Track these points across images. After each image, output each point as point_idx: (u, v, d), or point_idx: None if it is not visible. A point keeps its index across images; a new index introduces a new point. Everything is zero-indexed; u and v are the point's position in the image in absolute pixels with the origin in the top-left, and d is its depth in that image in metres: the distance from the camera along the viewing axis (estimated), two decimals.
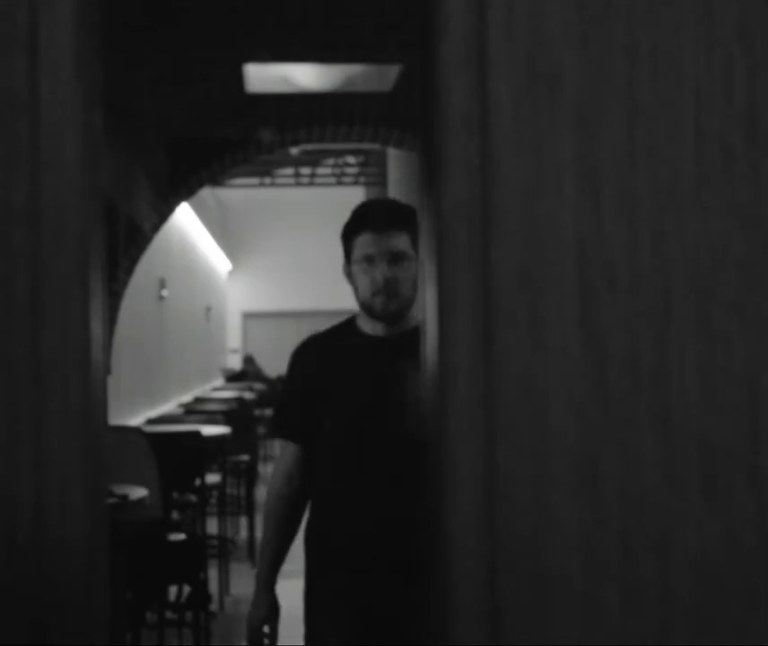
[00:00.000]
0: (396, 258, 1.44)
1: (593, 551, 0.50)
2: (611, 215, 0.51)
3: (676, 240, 0.51)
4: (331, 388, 1.46)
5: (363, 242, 1.45)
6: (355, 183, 7.88)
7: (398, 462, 1.38)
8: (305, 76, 2.58)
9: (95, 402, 0.49)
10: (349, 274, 1.49)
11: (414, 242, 1.46)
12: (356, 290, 1.48)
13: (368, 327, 1.47)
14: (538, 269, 0.51)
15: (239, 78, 2.46)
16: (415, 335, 1.12)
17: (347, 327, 1.52)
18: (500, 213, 0.50)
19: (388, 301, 1.41)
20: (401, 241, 1.45)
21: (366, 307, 1.45)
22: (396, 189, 5.60)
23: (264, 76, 2.47)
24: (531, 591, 0.50)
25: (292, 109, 3.17)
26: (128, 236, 3.28)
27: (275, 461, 1.55)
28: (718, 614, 0.51)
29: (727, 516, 0.51)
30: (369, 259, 1.44)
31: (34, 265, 0.48)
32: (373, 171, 7.30)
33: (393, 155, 5.72)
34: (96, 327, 0.50)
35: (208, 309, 7.60)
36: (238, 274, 9.90)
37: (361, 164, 7.40)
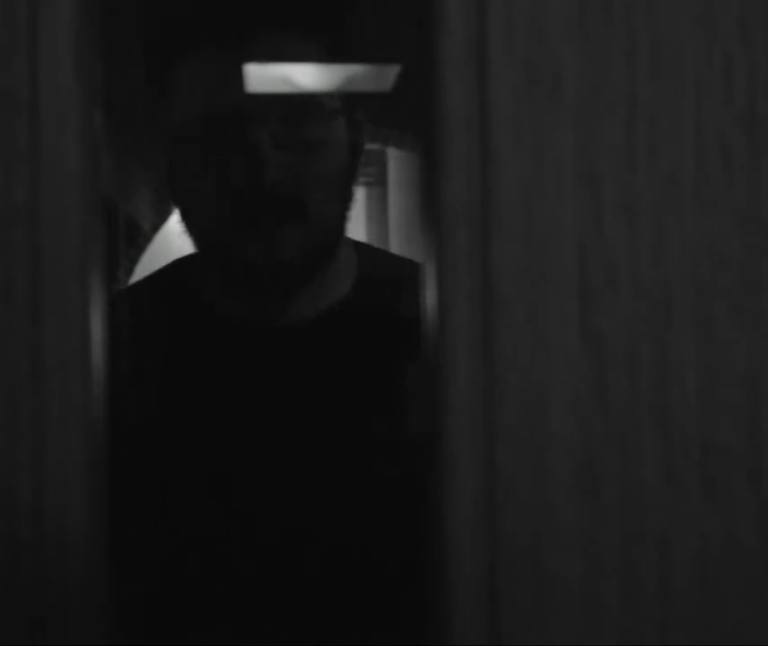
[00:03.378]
0: (296, 120, 0.71)
1: (593, 551, 0.50)
2: (611, 215, 0.51)
3: (676, 240, 0.51)
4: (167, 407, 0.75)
5: (200, 78, 0.69)
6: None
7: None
8: (305, 76, 2.57)
9: (95, 402, 0.49)
10: (165, 176, 0.73)
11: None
12: (183, 214, 0.73)
13: (225, 300, 0.73)
14: (538, 269, 0.50)
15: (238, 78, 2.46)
16: (365, 311, 0.68)
17: (177, 291, 0.75)
18: (500, 213, 0.50)
19: (282, 241, 0.68)
20: (305, 72, 0.71)
21: (214, 254, 0.72)
22: (396, 189, 5.60)
23: (264, 76, 2.47)
24: (531, 591, 0.50)
25: None
26: (128, 236, 3.28)
27: None
28: (718, 614, 0.51)
29: (727, 516, 0.51)
30: (215, 126, 0.68)
31: (34, 264, 0.48)
32: (373, 171, 7.29)
33: (393, 155, 5.72)
34: (96, 327, 0.50)
35: None
36: None
37: (361, 164, 7.39)
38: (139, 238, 3.35)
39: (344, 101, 0.79)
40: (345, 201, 0.78)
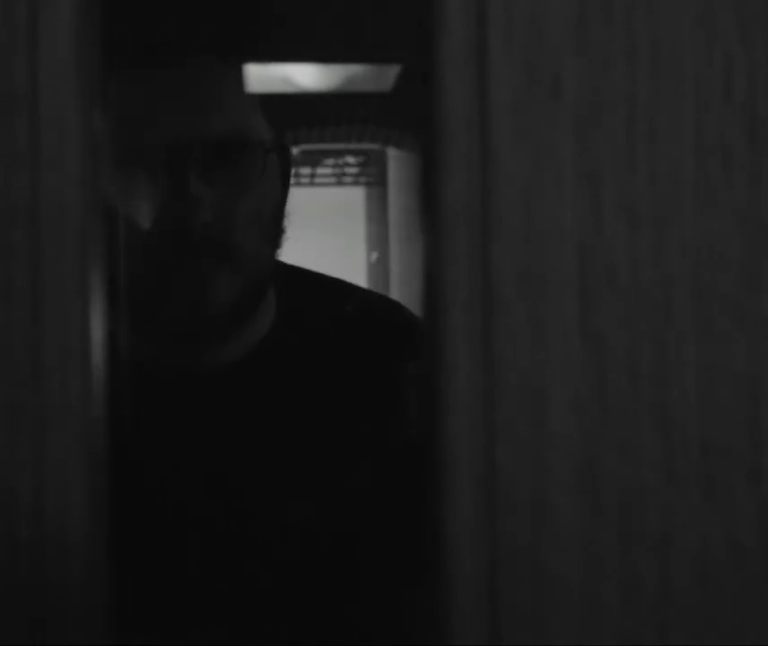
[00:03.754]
0: (228, 156, 0.64)
1: (593, 551, 0.50)
2: (611, 215, 0.51)
3: (676, 240, 0.51)
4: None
5: (128, 103, 0.64)
6: (355, 183, 7.87)
7: None
8: (305, 76, 2.58)
9: (95, 402, 0.49)
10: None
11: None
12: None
13: (149, 346, 0.68)
14: (538, 269, 0.50)
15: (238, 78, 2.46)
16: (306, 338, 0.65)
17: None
18: (500, 212, 0.50)
19: (214, 287, 0.64)
20: (237, 109, 0.65)
21: (137, 297, 0.66)
22: (396, 189, 5.60)
23: (264, 76, 2.47)
24: (531, 591, 0.50)
25: (293, 110, 3.17)
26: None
27: None
28: (718, 614, 0.51)
29: (727, 516, 0.51)
30: (140, 159, 0.64)
31: (34, 264, 0.48)
32: (373, 171, 7.28)
33: (393, 155, 5.72)
34: (96, 327, 0.49)
35: None
36: None
37: (361, 164, 7.39)
38: None
39: (276, 133, 0.72)
40: (278, 238, 0.73)
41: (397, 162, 5.74)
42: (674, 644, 0.51)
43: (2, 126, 0.49)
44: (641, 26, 0.51)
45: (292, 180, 0.73)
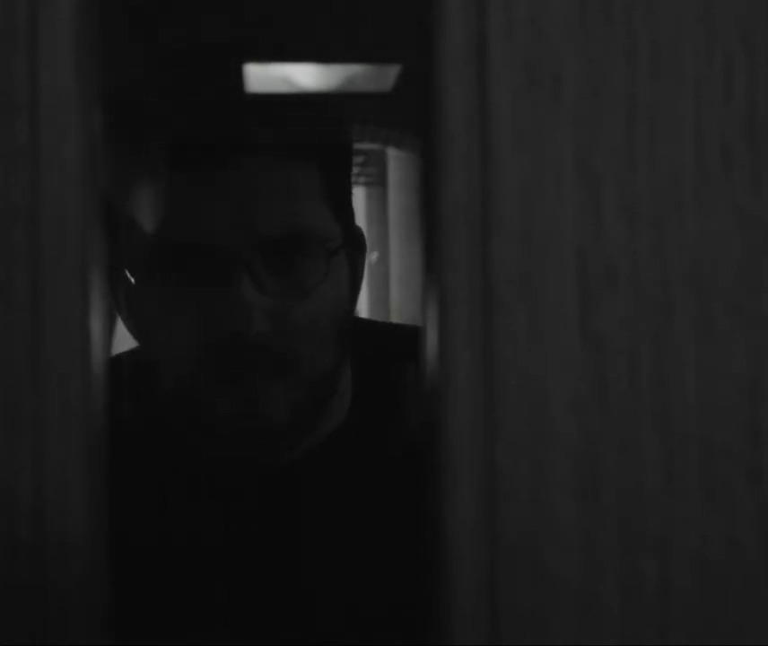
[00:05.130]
0: (284, 256, 0.59)
1: (593, 551, 0.50)
2: (611, 215, 0.51)
3: (676, 240, 0.51)
4: None
5: (166, 203, 0.57)
6: (355, 183, 7.87)
7: None
8: (305, 76, 2.58)
9: (95, 402, 0.49)
10: (127, 313, 0.63)
11: (336, 198, 0.62)
12: (148, 354, 0.64)
13: (198, 440, 0.64)
14: (538, 269, 0.50)
15: (239, 78, 2.46)
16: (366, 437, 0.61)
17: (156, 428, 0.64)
18: (500, 213, 0.50)
19: (266, 399, 0.59)
20: (299, 198, 0.59)
21: (185, 406, 0.62)
22: (396, 189, 5.60)
23: (264, 76, 2.47)
24: (531, 591, 0.50)
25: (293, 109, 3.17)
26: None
27: None
28: (718, 614, 0.51)
29: (727, 516, 0.51)
30: (185, 258, 0.58)
31: (34, 265, 0.48)
32: (373, 171, 7.29)
33: (393, 155, 5.72)
34: (96, 327, 0.49)
35: None
36: None
37: (361, 164, 7.39)
38: None
39: (346, 230, 0.64)
40: (345, 343, 0.64)
41: (397, 162, 5.75)
42: (674, 644, 0.51)
43: (2, 126, 0.49)
44: (641, 26, 0.51)
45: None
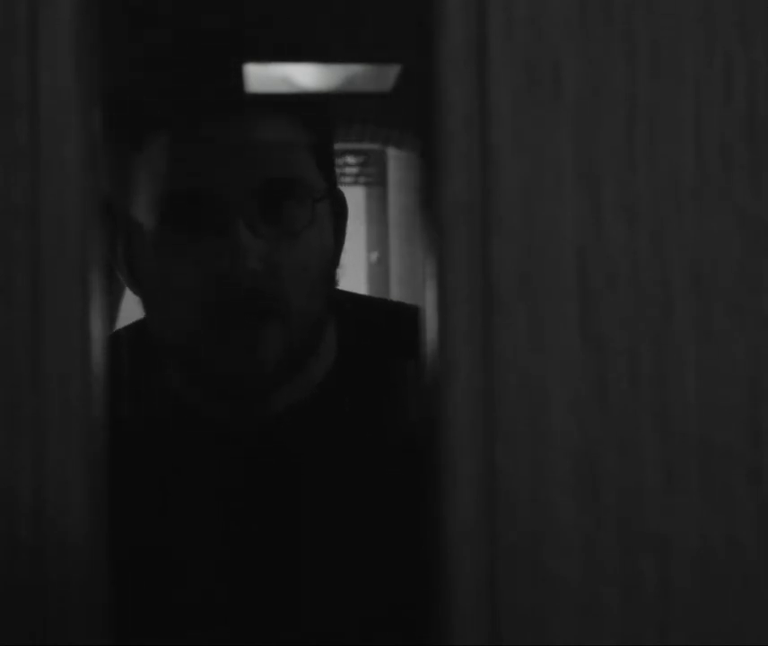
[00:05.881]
0: (277, 201, 0.63)
1: (593, 551, 0.50)
2: (611, 215, 0.51)
3: (676, 240, 0.51)
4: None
5: (165, 158, 0.62)
6: (355, 183, 7.87)
7: None
8: (305, 76, 2.57)
9: (95, 402, 0.49)
10: (124, 263, 0.67)
11: (322, 150, 0.67)
12: (146, 307, 0.67)
13: (204, 403, 0.68)
14: (538, 269, 0.50)
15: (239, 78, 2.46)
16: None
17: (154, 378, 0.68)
18: (500, 213, 0.50)
19: (264, 342, 0.63)
20: (291, 155, 0.64)
21: (183, 356, 0.66)
22: (396, 189, 5.59)
23: (264, 76, 2.47)
24: (531, 591, 0.50)
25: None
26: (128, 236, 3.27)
27: None
28: (718, 614, 0.51)
29: (727, 516, 0.51)
30: (182, 207, 0.62)
31: (34, 265, 0.48)
32: (373, 171, 7.29)
33: (393, 155, 5.72)
34: (96, 327, 0.50)
35: None
36: None
37: (361, 164, 7.39)
38: None
39: (329, 179, 0.69)
40: (330, 292, 0.68)
41: (397, 162, 5.74)
42: (674, 644, 0.51)
43: (2, 126, 0.49)
44: (641, 26, 0.51)
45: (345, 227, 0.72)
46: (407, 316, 0.74)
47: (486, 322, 0.50)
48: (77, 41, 0.49)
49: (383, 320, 0.76)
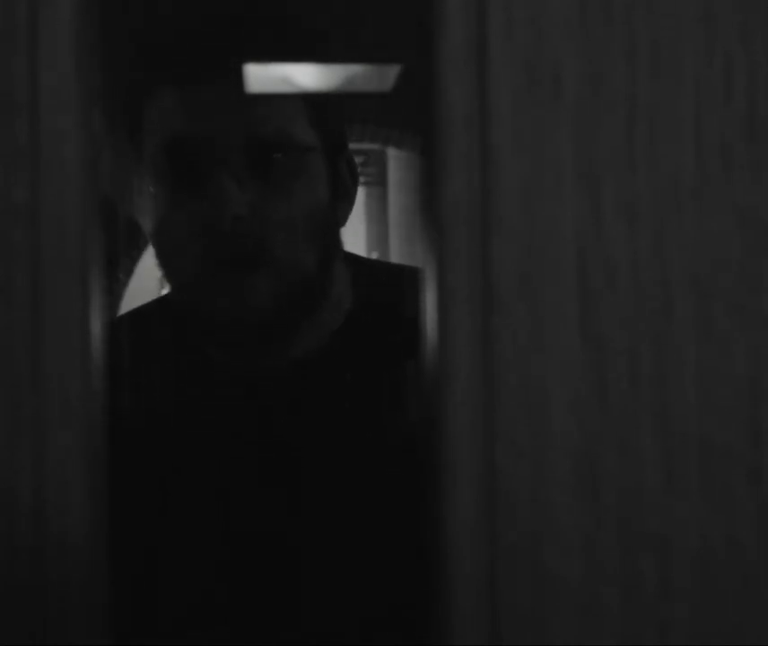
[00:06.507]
0: (264, 154, 0.65)
1: (593, 551, 0.50)
2: (611, 215, 0.51)
3: (676, 240, 0.51)
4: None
5: (167, 113, 0.65)
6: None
7: None
8: (305, 76, 2.57)
9: (95, 402, 0.49)
10: (151, 229, 0.69)
11: (318, 115, 0.69)
12: (156, 253, 0.69)
13: (208, 346, 0.70)
14: (538, 269, 0.50)
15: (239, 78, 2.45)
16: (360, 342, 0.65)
17: (167, 329, 0.71)
18: (500, 213, 0.50)
19: (251, 289, 0.64)
20: (278, 109, 0.66)
21: (185, 301, 0.69)
22: (396, 189, 5.60)
23: (264, 76, 2.47)
24: (531, 591, 0.50)
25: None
26: (128, 236, 3.28)
27: None
28: (718, 614, 0.51)
29: (727, 516, 0.51)
30: (175, 158, 0.65)
31: (34, 264, 0.48)
32: (373, 171, 7.28)
33: (393, 155, 5.72)
34: (96, 327, 0.50)
35: None
36: None
37: (361, 164, 7.39)
38: (139, 238, 3.35)
39: (325, 135, 0.71)
40: (327, 247, 0.70)
41: (396, 162, 5.74)
42: (674, 644, 0.51)
43: (2, 126, 0.49)
44: (641, 26, 0.51)
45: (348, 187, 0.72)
46: (410, 275, 0.75)
47: (486, 322, 0.50)
48: (77, 41, 0.49)
49: (393, 277, 0.78)
